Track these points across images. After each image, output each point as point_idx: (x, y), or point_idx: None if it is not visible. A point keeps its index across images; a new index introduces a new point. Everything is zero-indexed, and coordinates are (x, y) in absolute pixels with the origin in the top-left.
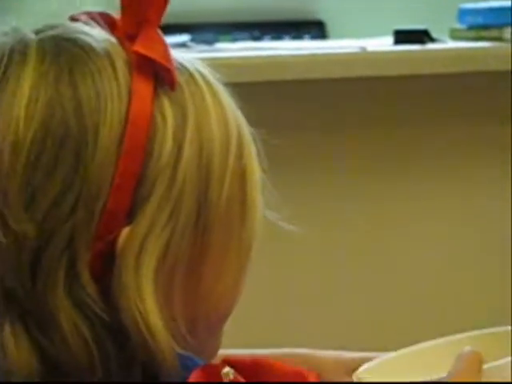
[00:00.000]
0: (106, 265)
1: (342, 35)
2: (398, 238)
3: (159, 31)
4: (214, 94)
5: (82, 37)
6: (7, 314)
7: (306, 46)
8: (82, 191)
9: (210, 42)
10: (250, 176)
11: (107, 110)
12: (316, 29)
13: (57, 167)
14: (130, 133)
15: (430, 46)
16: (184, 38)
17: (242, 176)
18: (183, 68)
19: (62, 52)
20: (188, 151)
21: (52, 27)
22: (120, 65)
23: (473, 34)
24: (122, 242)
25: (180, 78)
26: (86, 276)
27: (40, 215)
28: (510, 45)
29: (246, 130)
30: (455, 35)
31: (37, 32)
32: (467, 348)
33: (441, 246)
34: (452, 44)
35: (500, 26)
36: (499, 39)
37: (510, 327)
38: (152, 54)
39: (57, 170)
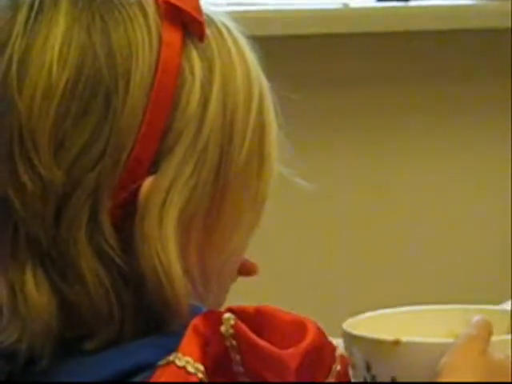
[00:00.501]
0: (127, 214)
1: None
2: (407, 195)
3: None
4: (239, 49)
5: None
6: (29, 259)
7: (289, 2)
8: (110, 139)
9: None
10: (269, 131)
11: (138, 58)
12: None
13: (87, 113)
14: (159, 82)
15: (413, 2)
16: None
17: (261, 131)
18: (210, 20)
19: (94, 7)
20: (214, 104)
21: None
22: (151, 13)
23: None
24: (146, 191)
25: (207, 31)
26: (107, 224)
27: (68, 162)
28: (493, 2)
29: (266, 85)
30: None
31: None
32: (478, 316)
33: (443, 201)
34: (435, 1)
35: None
36: None
37: (500, 306)
38: (183, 5)
39: (87, 116)
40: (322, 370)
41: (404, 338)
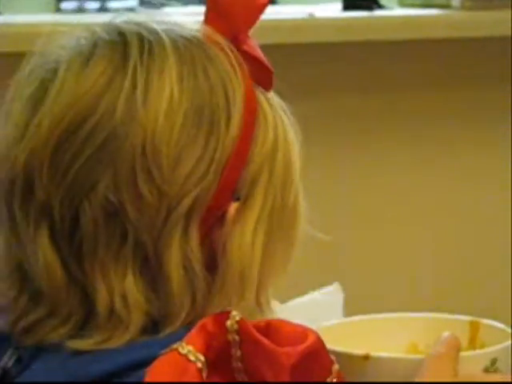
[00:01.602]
0: (211, 230)
1: (290, 1)
2: (404, 192)
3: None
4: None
5: (197, 30)
6: (132, 266)
7: None
8: (213, 162)
9: (158, 6)
10: (299, 189)
11: (235, 95)
12: None
13: (198, 136)
14: (245, 118)
15: (378, 12)
16: (132, 2)
17: (297, 186)
18: None
19: (188, 41)
20: (281, 147)
21: (162, 22)
22: (233, 58)
23: (421, 1)
24: (232, 215)
25: None
26: (195, 237)
27: (182, 177)
28: (457, 12)
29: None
30: (403, 2)
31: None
32: (447, 333)
33: (443, 207)
34: (400, 11)
35: None
36: (447, 6)
37: (468, 317)
38: (259, 55)
39: (197, 139)
40: (316, 377)
41: (374, 353)
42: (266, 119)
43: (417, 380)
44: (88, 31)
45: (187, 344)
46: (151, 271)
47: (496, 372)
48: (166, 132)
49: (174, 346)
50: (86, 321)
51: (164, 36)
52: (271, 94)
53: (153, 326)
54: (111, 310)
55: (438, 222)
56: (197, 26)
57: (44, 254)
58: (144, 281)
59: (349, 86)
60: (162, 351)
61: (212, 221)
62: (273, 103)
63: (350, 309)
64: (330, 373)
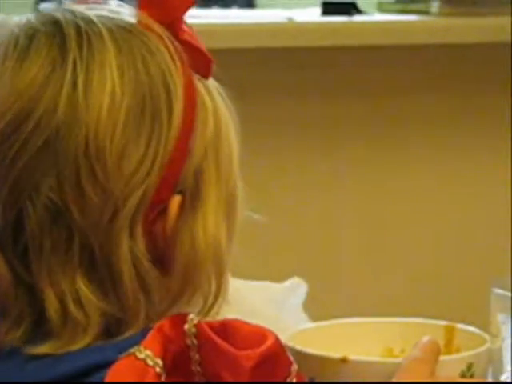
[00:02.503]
0: (154, 226)
1: (269, 6)
2: (396, 203)
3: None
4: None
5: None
6: (79, 267)
7: (234, 16)
8: (157, 158)
9: None
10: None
11: (175, 86)
12: None
13: (140, 132)
14: (185, 110)
15: (357, 17)
16: None
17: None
18: None
19: (127, 32)
20: (224, 134)
21: (92, 8)
22: (171, 48)
23: (400, 7)
24: (175, 208)
25: None
26: (140, 234)
27: (127, 175)
28: (436, 18)
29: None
30: (382, 8)
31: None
32: (426, 337)
33: (448, 212)
34: (379, 17)
35: (427, 0)
36: (426, 12)
37: (443, 322)
38: (198, 44)
39: (140, 134)
40: (276, 378)
41: (351, 356)
42: (205, 108)
43: (394, 381)
44: (21, 20)
45: (145, 348)
46: (101, 272)
47: (472, 377)
48: (109, 129)
49: (132, 350)
50: (39, 324)
51: (101, 26)
52: (209, 80)
53: (115, 327)
54: (65, 314)
55: (438, 226)
56: (131, 13)
57: None
58: (95, 282)
59: (327, 91)
60: (120, 355)
61: (154, 216)
62: (211, 90)
63: (349, 309)
64: (289, 373)
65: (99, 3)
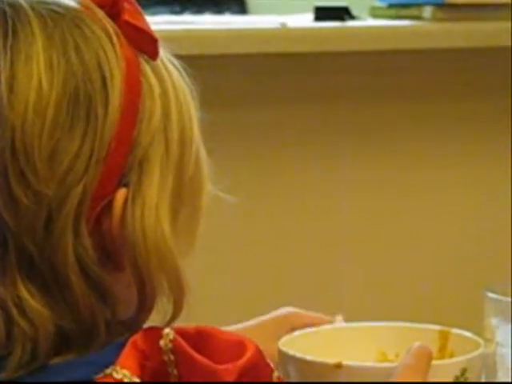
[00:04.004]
0: (99, 221)
1: (262, 12)
2: (396, 203)
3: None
4: (174, 65)
5: (70, 1)
6: (19, 273)
7: (226, 21)
8: (94, 152)
9: None
10: (202, 159)
11: (112, 75)
12: (236, 5)
13: (73, 127)
14: (126, 98)
15: (350, 23)
16: None
17: (197, 155)
18: None
19: (59, 17)
20: (174, 119)
21: None
22: (113, 32)
23: (393, 12)
24: (120, 202)
25: None
26: (86, 235)
27: (60, 175)
28: (428, 23)
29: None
30: (375, 13)
31: None
32: (418, 343)
33: (443, 217)
34: (372, 22)
35: (419, 5)
36: (419, 18)
37: (437, 326)
38: (139, 23)
39: (73, 130)
40: None
41: (345, 362)
42: (152, 93)
43: None
44: None
45: (121, 368)
46: (45, 278)
47: (466, 382)
48: (37, 127)
49: (108, 370)
50: None
51: (30, 12)
52: (160, 55)
53: (75, 340)
54: (9, 322)
55: (432, 231)
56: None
57: None
58: (40, 290)
59: (321, 97)
60: (96, 376)
61: (99, 212)
62: (160, 71)
63: (349, 309)
64: (271, 380)
65: None
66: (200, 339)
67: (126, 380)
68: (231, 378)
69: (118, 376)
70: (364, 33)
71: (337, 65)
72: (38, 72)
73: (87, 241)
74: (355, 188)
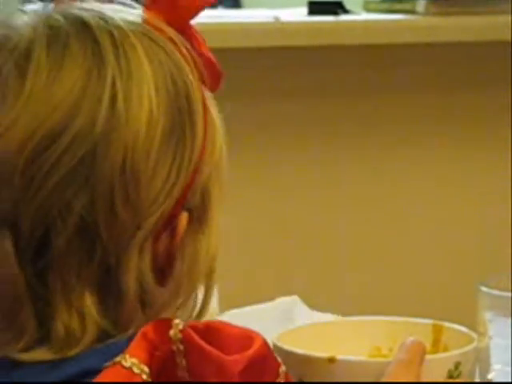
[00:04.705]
0: (159, 242)
1: (255, 5)
2: (395, 200)
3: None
4: None
5: (157, 24)
6: (91, 284)
7: (220, 15)
8: (179, 178)
9: None
10: None
11: (197, 105)
12: None
13: (168, 150)
14: (204, 128)
15: (344, 17)
16: None
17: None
18: None
19: (152, 40)
20: (224, 151)
21: (118, 11)
22: (189, 59)
23: (386, 6)
24: (184, 225)
25: None
26: (148, 251)
27: (155, 194)
28: (422, 17)
29: None
30: (369, 7)
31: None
32: (411, 338)
33: (438, 211)
34: (365, 16)
35: None
36: (412, 12)
37: (431, 320)
38: (211, 56)
39: (168, 152)
40: (264, 381)
41: (339, 356)
42: (214, 124)
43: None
44: (41, 18)
45: (130, 356)
46: (110, 287)
47: (459, 376)
48: (146, 148)
49: (117, 358)
50: (41, 337)
51: (132, 35)
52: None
53: (105, 337)
54: (67, 327)
55: (426, 225)
56: (138, 13)
57: (9, 265)
58: (101, 297)
59: (314, 91)
60: (106, 364)
61: (163, 233)
62: (214, 104)
63: (348, 308)
64: (277, 375)
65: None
66: (209, 333)
67: (134, 368)
68: (238, 369)
69: (126, 364)
70: (357, 27)
71: (330, 59)
72: (149, 95)
73: (148, 257)
74: (353, 184)
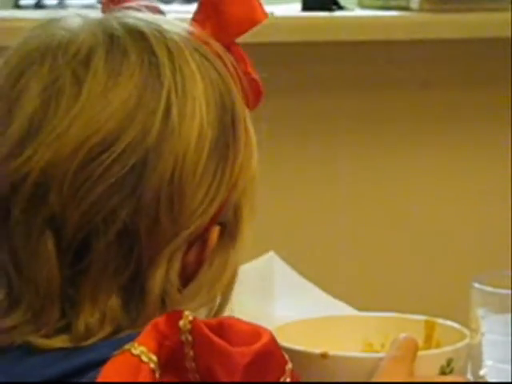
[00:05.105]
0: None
1: None
2: (396, 197)
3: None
4: None
5: (205, 39)
6: (120, 287)
7: None
8: (219, 192)
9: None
10: None
11: (240, 124)
12: None
13: (209, 166)
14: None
15: (338, 13)
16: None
17: None
18: None
19: (199, 53)
20: (256, 164)
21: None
22: (234, 75)
23: (380, 2)
24: (214, 239)
25: None
26: (178, 261)
27: (194, 207)
28: (416, 14)
29: None
30: (363, 3)
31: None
32: (404, 334)
33: (434, 208)
34: (359, 12)
35: None
36: (406, 8)
37: (423, 317)
38: (256, 76)
39: (209, 168)
40: (270, 376)
41: (331, 352)
42: (250, 141)
43: (373, 380)
44: (99, 25)
45: (139, 344)
46: (134, 289)
47: (452, 372)
48: (194, 161)
49: (127, 346)
50: (60, 330)
51: (185, 50)
52: None
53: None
54: (87, 324)
55: (419, 222)
56: (186, 28)
57: (49, 266)
58: (126, 299)
59: (307, 86)
60: (115, 352)
61: (194, 244)
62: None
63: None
64: (283, 372)
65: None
66: (221, 328)
67: (143, 356)
68: (244, 361)
69: (135, 352)
70: (352, 23)
71: (324, 54)
72: (201, 111)
73: (177, 266)
74: (350, 181)
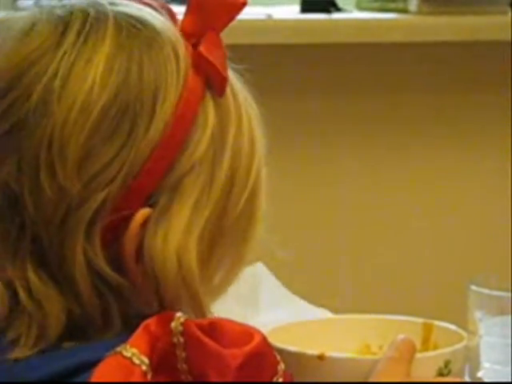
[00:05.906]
0: (116, 233)
1: (248, 3)
2: (396, 200)
3: (221, 38)
4: (249, 116)
5: (154, 22)
6: (30, 258)
7: None
8: (125, 164)
9: None
10: (260, 199)
11: (165, 98)
12: None
13: (114, 136)
14: (175, 123)
15: (336, 15)
16: None
17: (253, 194)
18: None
19: (136, 32)
20: (226, 159)
21: (121, 4)
22: (182, 58)
23: (378, 4)
24: (139, 221)
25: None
26: (97, 238)
27: (88, 177)
28: (414, 17)
29: (263, 155)
30: (361, 6)
31: (110, 3)
32: (401, 336)
33: (432, 210)
34: (358, 14)
35: None
36: (404, 11)
37: (421, 319)
38: (213, 60)
39: (113, 138)
40: (263, 377)
41: (328, 353)
42: (205, 127)
43: (370, 380)
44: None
45: (131, 347)
46: (54, 269)
47: (449, 374)
48: (77, 127)
49: (118, 348)
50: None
51: (111, 19)
52: (237, 88)
53: (88, 326)
54: (15, 302)
55: (417, 224)
56: (172, 27)
57: None
58: (48, 277)
59: (305, 89)
60: (107, 353)
61: (118, 224)
62: (227, 108)
63: (341, 305)
64: (276, 372)
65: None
66: (212, 329)
67: (134, 359)
68: (236, 363)
69: (127, 354)
70: (350, 25)
71: (322, 57)
72: (94, 77)
73: (98, 245)
74: (351, 180)
